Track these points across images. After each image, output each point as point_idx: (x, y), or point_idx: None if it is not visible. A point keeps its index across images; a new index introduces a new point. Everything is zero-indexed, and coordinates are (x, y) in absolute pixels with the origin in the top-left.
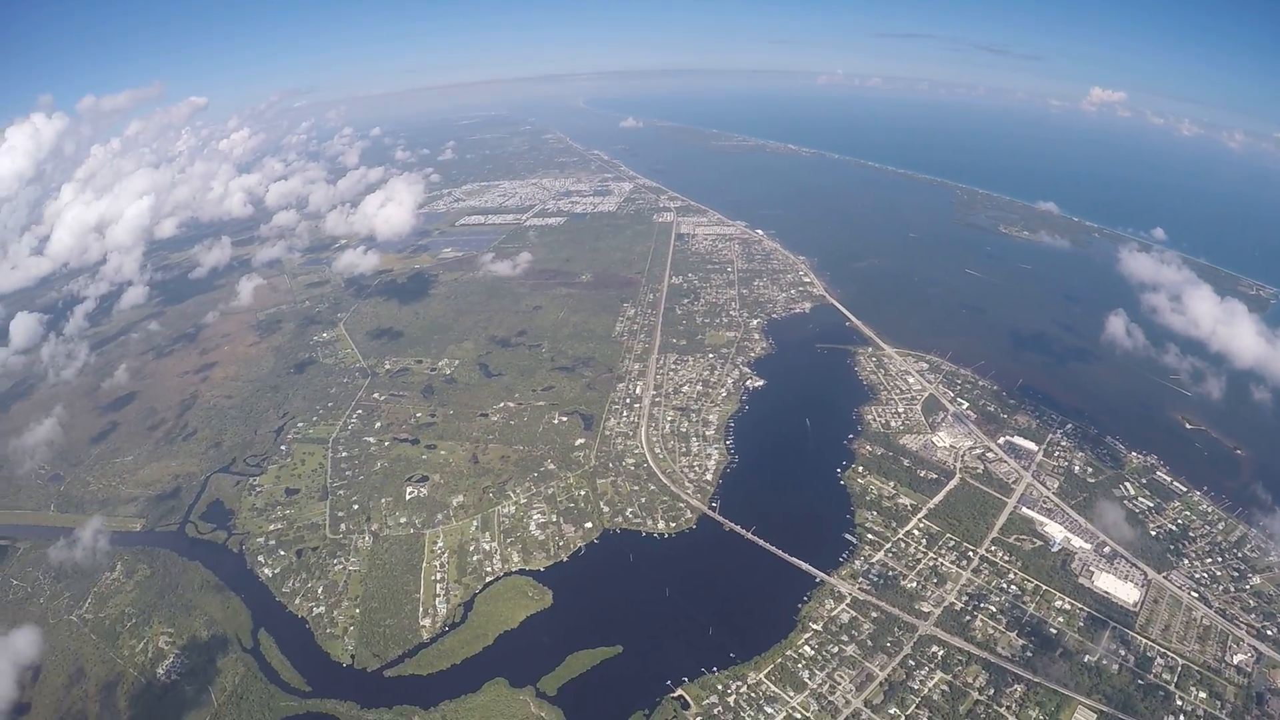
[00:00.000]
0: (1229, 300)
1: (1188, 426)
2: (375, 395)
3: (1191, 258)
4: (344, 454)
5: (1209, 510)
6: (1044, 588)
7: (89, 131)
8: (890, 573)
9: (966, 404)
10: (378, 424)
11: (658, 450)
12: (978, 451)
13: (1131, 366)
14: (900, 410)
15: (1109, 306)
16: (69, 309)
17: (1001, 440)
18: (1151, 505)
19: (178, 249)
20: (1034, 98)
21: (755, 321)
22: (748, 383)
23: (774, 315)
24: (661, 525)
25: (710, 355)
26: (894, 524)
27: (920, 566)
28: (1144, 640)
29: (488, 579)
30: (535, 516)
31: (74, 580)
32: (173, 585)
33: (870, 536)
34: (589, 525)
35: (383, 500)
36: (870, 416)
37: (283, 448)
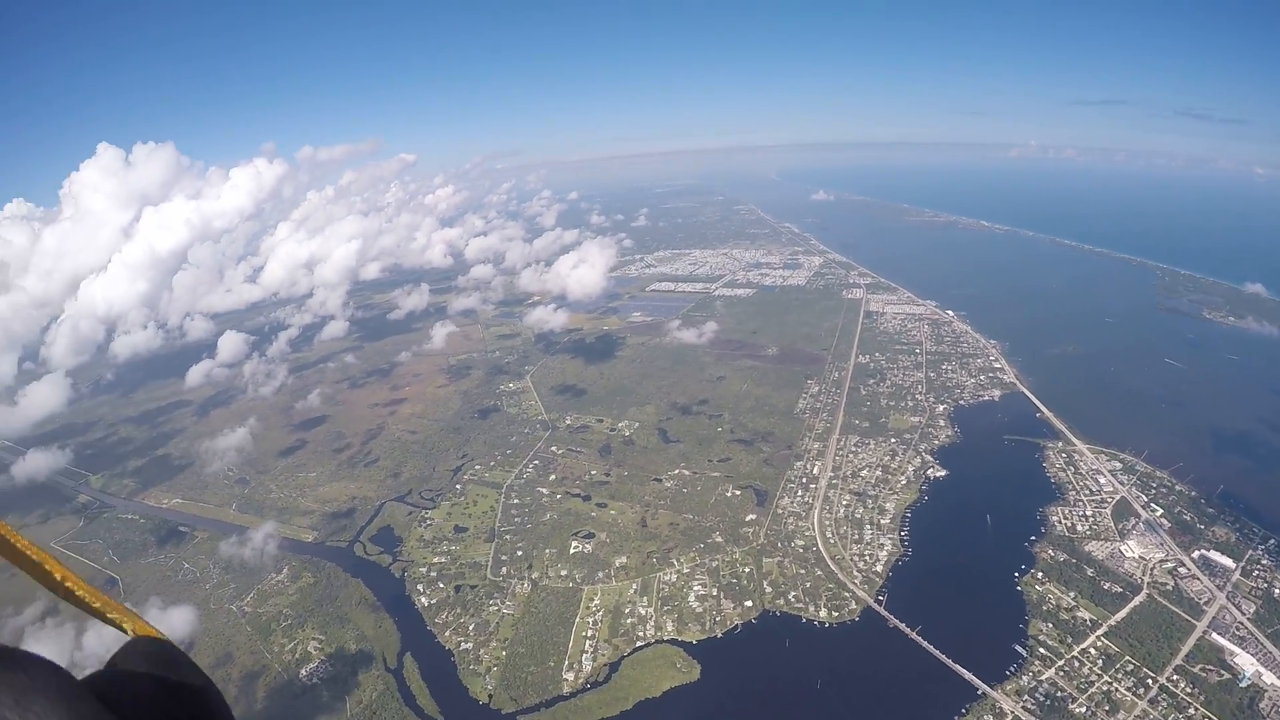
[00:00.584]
0: None
1: None
2: (553, 448)
3: None
4: (515, 501)
5: None
6: None
7: (306, 178)
8: (1059, 693)
9: (1160, 510)
10: (552, 476)
11: (829, 535)
12: (1169, 565)
13: None
14: (1088, 513)
15: None
16: (274, 334)
17: (1196, 554)
18: None
19: (379, 291)
20: (1238, 165)
21: (941, 407)
22: (929, 471)
23: (961, 402)
24: (824, 613)
25: (892, 439)
26: (1069, 639)
27: (1093, 690)
28: None
29: (638, 643)
30: (696, 588)
31: (240, 575)
32: (332, 596)
33: (1042, 651)
34: (749, 604)
35: (547, 550)
36: (1055, 518)
37: (458, 487)
